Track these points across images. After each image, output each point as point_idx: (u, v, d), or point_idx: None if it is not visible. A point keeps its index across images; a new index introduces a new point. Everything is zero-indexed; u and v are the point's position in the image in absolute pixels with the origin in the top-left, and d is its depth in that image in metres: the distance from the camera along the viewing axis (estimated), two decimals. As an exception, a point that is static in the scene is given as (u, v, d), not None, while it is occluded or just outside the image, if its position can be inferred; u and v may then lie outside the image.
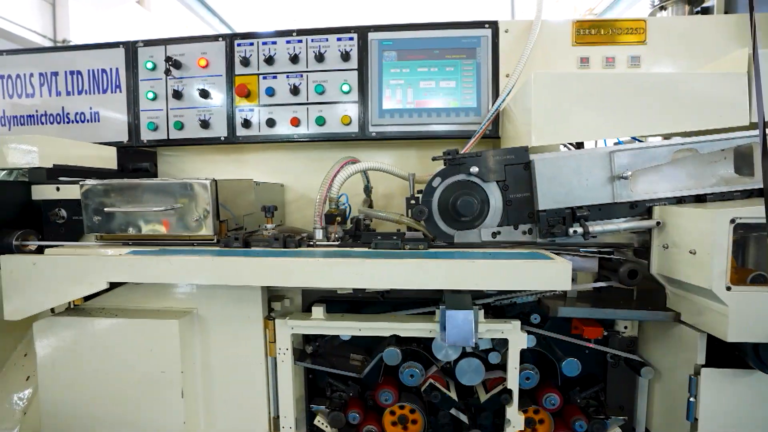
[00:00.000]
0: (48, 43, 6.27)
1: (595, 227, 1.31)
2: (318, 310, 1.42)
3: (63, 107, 2.18)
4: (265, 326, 1.45)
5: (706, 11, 2.02)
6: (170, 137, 2.10)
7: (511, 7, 7.06)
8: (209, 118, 2.06)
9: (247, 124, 2.03)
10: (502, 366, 1.44)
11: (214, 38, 2.04)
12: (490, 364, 1.45)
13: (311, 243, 1.49)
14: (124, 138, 2.14)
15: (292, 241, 1.43)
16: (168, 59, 2.02)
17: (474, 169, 1.37)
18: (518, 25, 1.91)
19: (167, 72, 2.04)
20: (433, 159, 1.42)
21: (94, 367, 1.41)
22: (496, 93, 1.92)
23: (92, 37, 6.83)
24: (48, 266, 1.31)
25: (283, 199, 2.22)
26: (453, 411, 1.54)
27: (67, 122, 2.19)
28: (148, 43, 2.09)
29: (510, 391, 1.39)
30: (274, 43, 2.01)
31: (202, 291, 1.46)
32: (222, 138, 2.06)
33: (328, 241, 1.51)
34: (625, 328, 1.48)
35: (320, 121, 1.99)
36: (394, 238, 1.42)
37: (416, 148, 2.14)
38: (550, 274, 1.15)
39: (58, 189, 1.66)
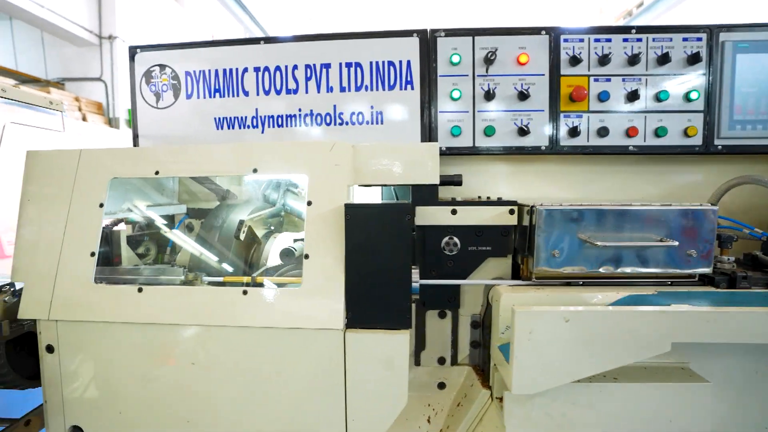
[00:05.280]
0: (94, 39, 5.58)
1: None
2: None
3: (335, 105, 1.80)
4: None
5: None
6: (476, 144, 1.77)
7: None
8: (528, 123, 1.75)
9: (574, 132, 1.74)
10: None
11: (536, 31, 1.74)
12: None
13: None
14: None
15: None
16: (491, 53, 1.70)
17: None
18: None
19: (487, 68, 1.72)
20: None
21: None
22: None
23: (138, 32, 6.17)
24: (586, 323, 0.98)
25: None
26: None
27: (340, 124, 1.81)
28: (451, 32, 1.76)
29: None
30: (609, 40, 1.74)
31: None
32: (543, 147, 1.76)
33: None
34: None
35: (663, 132, 1.74)
36: None
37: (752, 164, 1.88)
38: None
39: (454, 212, 1.31)
